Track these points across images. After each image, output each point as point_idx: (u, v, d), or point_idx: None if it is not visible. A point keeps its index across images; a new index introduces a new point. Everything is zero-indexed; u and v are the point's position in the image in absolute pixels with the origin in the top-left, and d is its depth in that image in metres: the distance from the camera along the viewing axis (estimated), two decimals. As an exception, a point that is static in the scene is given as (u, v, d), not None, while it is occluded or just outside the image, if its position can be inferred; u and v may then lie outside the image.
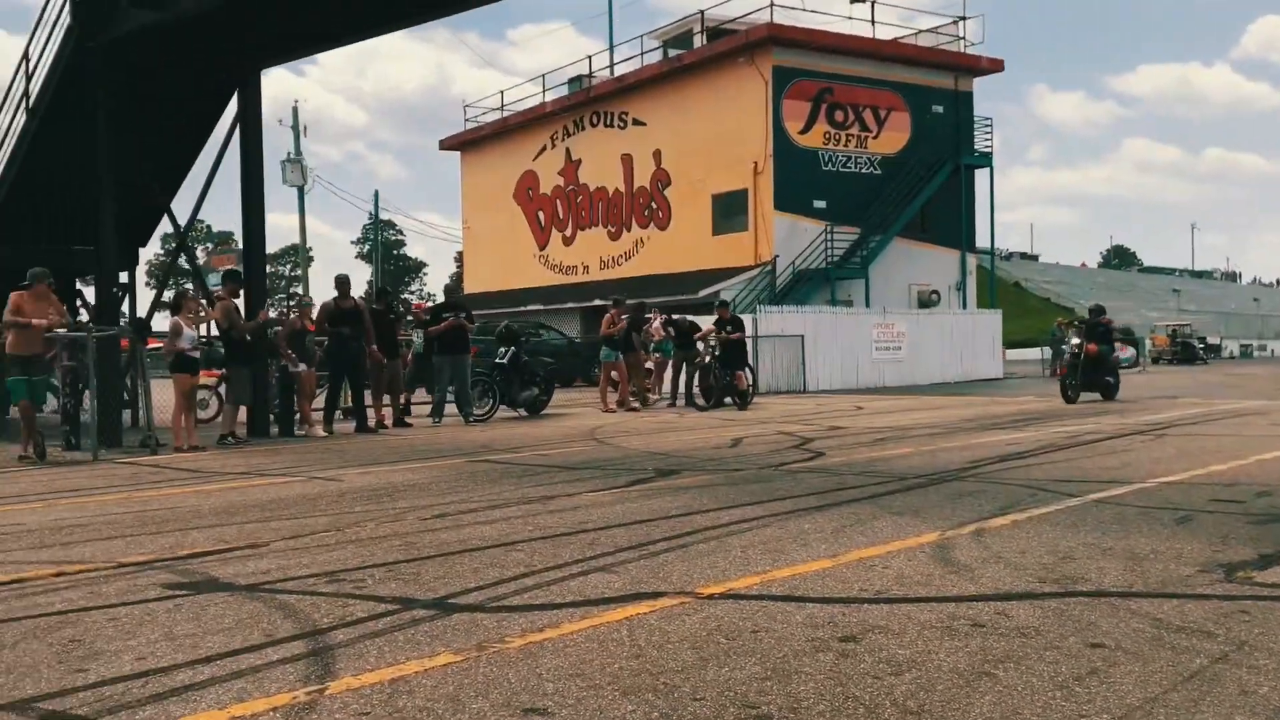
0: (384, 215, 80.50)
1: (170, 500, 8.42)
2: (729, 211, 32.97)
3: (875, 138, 33.75)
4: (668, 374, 21.07)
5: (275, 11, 12.92)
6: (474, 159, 45.06)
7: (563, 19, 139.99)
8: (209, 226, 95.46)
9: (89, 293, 18.67)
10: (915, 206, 33.40)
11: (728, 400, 18.55)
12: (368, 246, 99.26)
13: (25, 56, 14.47)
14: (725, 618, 4.40)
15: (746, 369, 19.05)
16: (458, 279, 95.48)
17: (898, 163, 33.85)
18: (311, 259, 67.60)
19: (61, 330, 11.62)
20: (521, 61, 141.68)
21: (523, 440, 13.27)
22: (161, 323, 17.73)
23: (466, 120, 46.04)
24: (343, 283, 14.99)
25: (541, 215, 41.08)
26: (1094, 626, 4.18)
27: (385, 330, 15.34)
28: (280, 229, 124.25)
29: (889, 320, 28.25)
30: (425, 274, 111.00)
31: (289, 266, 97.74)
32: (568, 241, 39.99)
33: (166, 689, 3.62)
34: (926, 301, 33.77)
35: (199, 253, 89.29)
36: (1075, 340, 18.85)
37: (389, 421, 15.56)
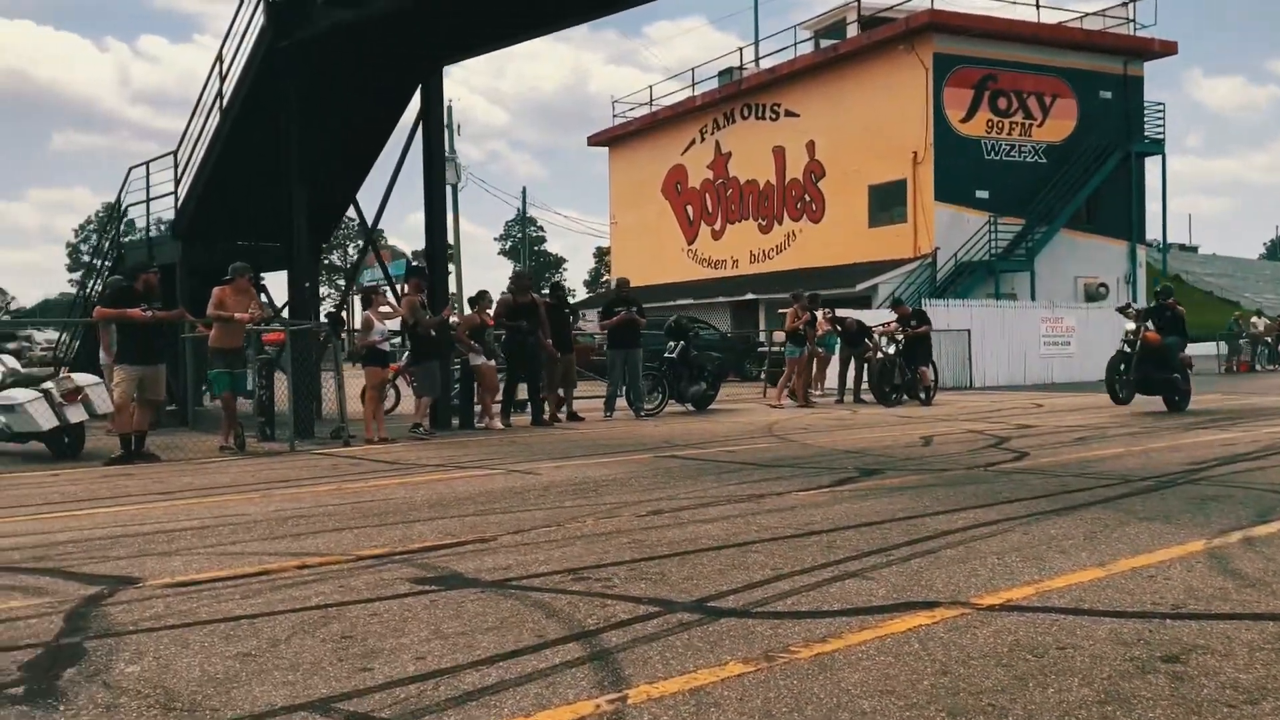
0: (529, 211, 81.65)
1: (380, 492, 8.49)
2: (887, 203, 32.21)
3: (1040, 125, 32.52)
4: (830, 369, 20.67)
5: (462, 8, 13.02)
6: (622, 154, 45.17)
7: (698, 15, 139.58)
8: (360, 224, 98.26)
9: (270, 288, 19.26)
10: (1082, 196, 32.10)
11: (903, 397, 18.10)
12: (509, 243, 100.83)
13: (219, 58, 14.96)
14: (1019, 632, 4.09)
15: (930, 364, 18.52)
16: (596, 274, 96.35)
17: (1064, 151, 32.54)
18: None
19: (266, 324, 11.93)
20: (657, 58, 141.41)
21: (701, 436, 13.08)
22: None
23: (614, 116, 46.22)
24: (521, 278, 15.08)
25: (690, 209, 40.92)
26: None
27: (559, 325, 15.37)
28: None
29: (1057, 314, 27.17)
30: (565, 269, 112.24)
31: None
32: (717, 235, 39.73)
33: (460, 692, 3.52)
34: (1094, 295, 32.41)
35: (350, 250, 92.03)
36: (1131, 325, 15.27)
37: (562, 415, 15.59)
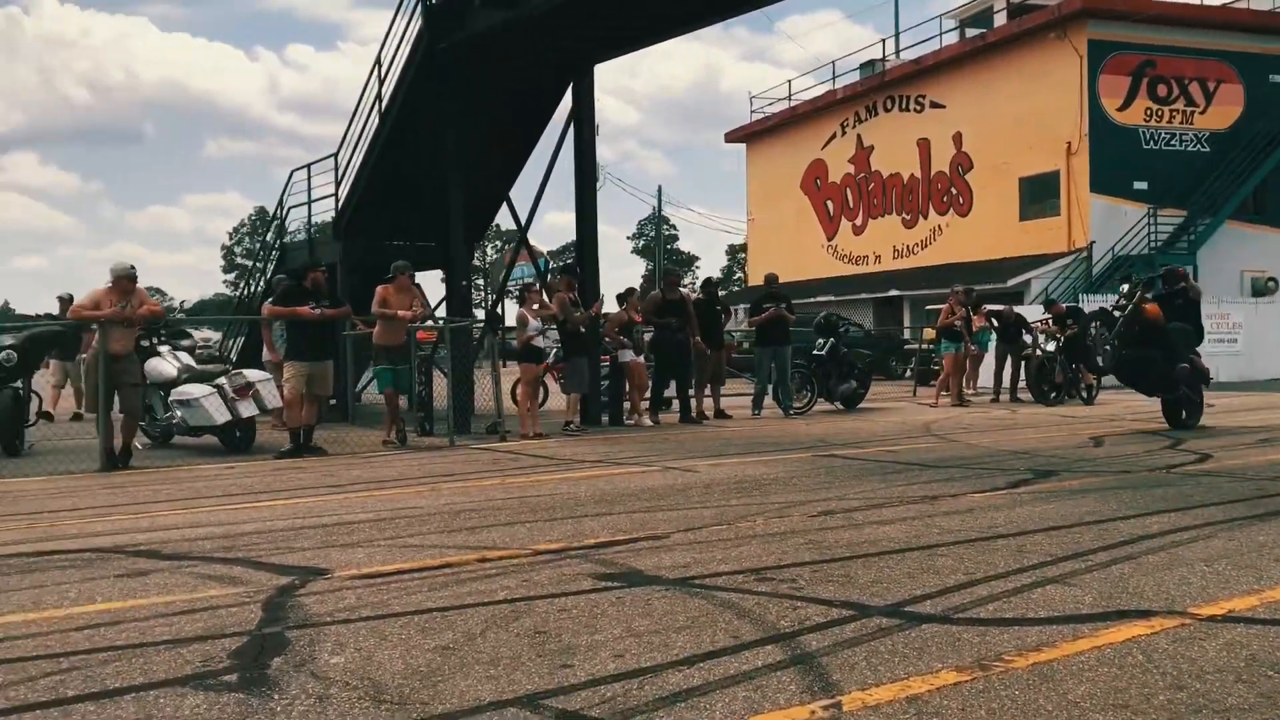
0: (662, 209, 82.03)
1: (544, 487, 8.54)
2: (1038, 195, 31.19)
3: (1202, 112, 31.01)
4: (984, 367, 20.09)
5: (614, 6, 13.05)
6: (759, 150, 44.81)
7: (833, 9, 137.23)
8: (498, 225, 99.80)
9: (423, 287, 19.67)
10: (1249, 186, 30.48)
11: (1063, 396, 17.49)
12: (642, 242, 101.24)
13: (378, 62, 15.36)
14: (1253, 645, 3.82)
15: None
16: (729, 271, 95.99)
17: (1229, 138, 30.95)
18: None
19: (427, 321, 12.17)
20: (790, 53, 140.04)
21: (856, 435, 12.83)
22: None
23: (752, 112, 45.85)
24: (671, 274, 15.06)
25: (830, 204, 40.36)
26: None
27: (711, 321, 15.29)
28: (558, 226, 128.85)
29: (1223, 310, 25.87)
30: (697, 267, 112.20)
31: (565, 262, 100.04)
32: (858, 231, 39.08)
33: (666, 692, 3.44)
34: (1262, 289, 30.78)
35: (489, 250, 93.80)
36: (1125, 287, 12.36)
37: (710, 412, 15.49)
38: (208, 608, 4.68)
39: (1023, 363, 18.44)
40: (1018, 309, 21.52)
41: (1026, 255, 30.46)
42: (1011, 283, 28.74)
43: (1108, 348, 12.01)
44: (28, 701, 3.48)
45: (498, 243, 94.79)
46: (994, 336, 19.24)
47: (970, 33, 35.22)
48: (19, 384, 12.06)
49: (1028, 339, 18.32)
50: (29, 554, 6.07)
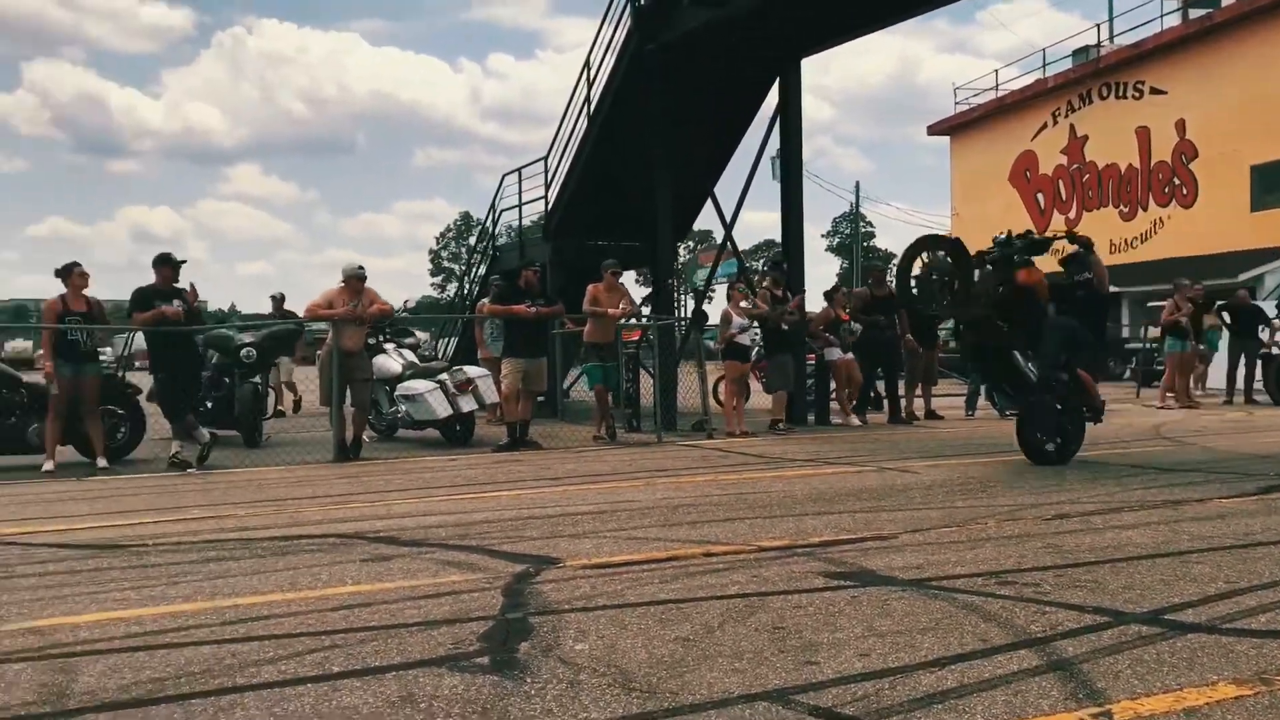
0: (859, 206, 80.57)
1: (758, 485, 8.49)
2: (1272, 184, 29.11)
3: None
4: (1214, 367, 18.86)
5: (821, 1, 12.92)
6: (964, 143, 43.45)
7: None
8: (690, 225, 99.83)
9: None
10: None
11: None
12: (837, 239, 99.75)
13: (586, 64, 15.68)
14: None
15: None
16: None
17: None
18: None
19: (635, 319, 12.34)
20: (992, 44, 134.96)
21: (1079, 436, 12.23)
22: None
23: (955, 103, 44.57)
24: (875, 270, 14.77)
25: (1041, 197, 38.78)
26: None
27: (923, 318, 14.87)
28: (753, 225, 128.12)
29: None
30: (894, 265, 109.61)
31: (760, 261, 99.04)
32: (1071, 224, 37.35)
33: (920, 693, 3.34)
34: None
35: (682, 251, 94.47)
36: (1008, 232, 9.11)
37: (920, 413, 15.10)
38: (451, 592, 4.84)
39: (1259, 361, 17.21)
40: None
41: (1258, 248, 28.46)
42: (1241, 277, 26.81)
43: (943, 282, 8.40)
44: (298, 675, 3.66)
45: (689, 243, 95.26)
46: (1225, 333, 18.04)
47: (1194, 14, 33.20)
48: (258, 379, 12.85)
49: (1264, 335, 17.09)
50: (279, 538, 6.43)
